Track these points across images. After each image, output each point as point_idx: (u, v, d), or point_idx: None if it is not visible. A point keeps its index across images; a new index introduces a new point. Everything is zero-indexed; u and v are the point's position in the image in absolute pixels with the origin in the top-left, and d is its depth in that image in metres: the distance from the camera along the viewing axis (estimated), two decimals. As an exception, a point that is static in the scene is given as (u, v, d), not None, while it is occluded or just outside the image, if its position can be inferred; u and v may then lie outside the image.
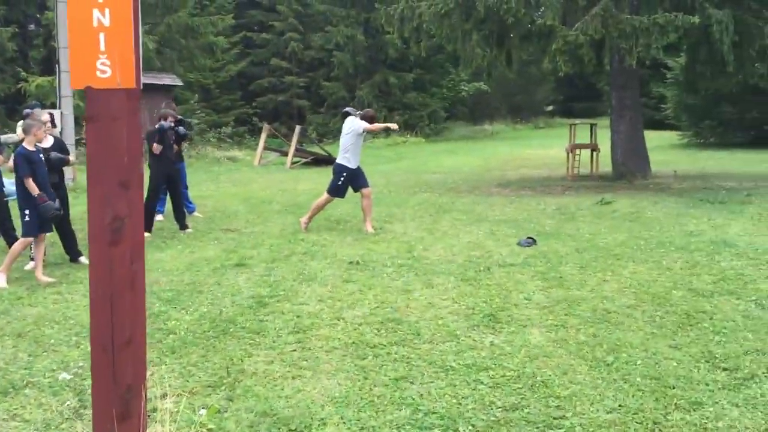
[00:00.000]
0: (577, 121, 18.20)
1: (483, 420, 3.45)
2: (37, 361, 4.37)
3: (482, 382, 3.90)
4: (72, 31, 2.59)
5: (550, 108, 47.99)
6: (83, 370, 4.17)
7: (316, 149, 22.52)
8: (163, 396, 3.69)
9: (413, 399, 3.69)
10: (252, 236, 8.78)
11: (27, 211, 6.39)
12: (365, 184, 9.02)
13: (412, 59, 30.35)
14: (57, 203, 6.62)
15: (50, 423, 3.50)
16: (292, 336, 4.77)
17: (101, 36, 2.57)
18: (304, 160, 20.93)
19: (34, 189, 6.28)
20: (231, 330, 4.91)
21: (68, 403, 3.72)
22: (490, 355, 4.33)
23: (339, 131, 29.20)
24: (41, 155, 6.58)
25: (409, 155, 24.72)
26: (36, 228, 6.40)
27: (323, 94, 32.14)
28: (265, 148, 21.44)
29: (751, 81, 13.94)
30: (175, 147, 9.75)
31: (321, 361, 4.28)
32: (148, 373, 3.82)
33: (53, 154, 7.05)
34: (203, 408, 3.50)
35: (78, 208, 8.28)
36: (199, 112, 28.51)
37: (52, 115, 10.19)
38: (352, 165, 8.94)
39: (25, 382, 4.02)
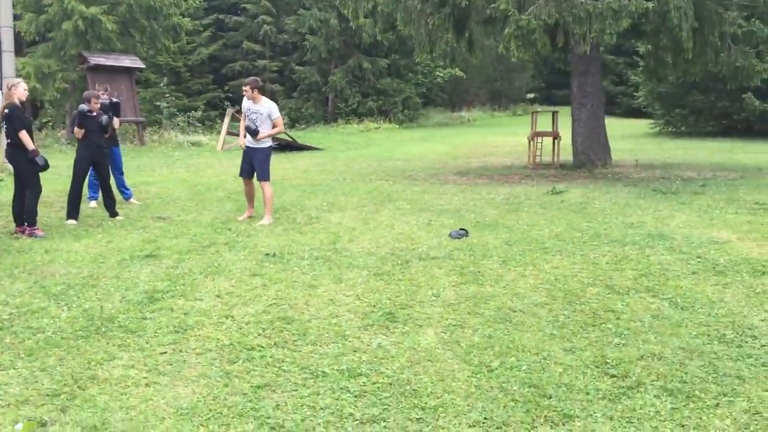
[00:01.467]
0: (539, 108, 17.92)
1: (332, 435, 3.13)
2: None
3: (349, 391, 3.59)
4: None
5: (532, 95, 47.61)
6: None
7: (281, 135, 22.03)
8: (-15, 407, 3.36)
9: (265, 411, 3.37)
10: (180, 225, 8.43)
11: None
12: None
13: (387, 45, 29.95)
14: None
15: None
16: (169, 336, 4.44)
17: None
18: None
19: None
20: (105, 329, 4.56)
21: None
22: (370, 359, 4.01)
23: (311, 116, 28.88)
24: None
25: (379, 142, 24.38)
26: None
27: (296, 78, 31.68)
28: (229, 133, 20.99)
29: (714, 69, 13.64)
30: (116, 123, 9.41)
31: (186, 366, 3.95)
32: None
33: None
34: (20, 422, 3.15)
35: None
36: (168, 95, 28.05)
37: None
38: None
39: None
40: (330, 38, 30.65)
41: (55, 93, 19.87)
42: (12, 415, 3.30)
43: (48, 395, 3.53)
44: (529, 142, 15.25)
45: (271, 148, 8.70)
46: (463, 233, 7.47)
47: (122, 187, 10.37)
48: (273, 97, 33.29)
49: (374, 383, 3.67)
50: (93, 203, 9.91)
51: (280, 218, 8.72)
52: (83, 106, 8.71)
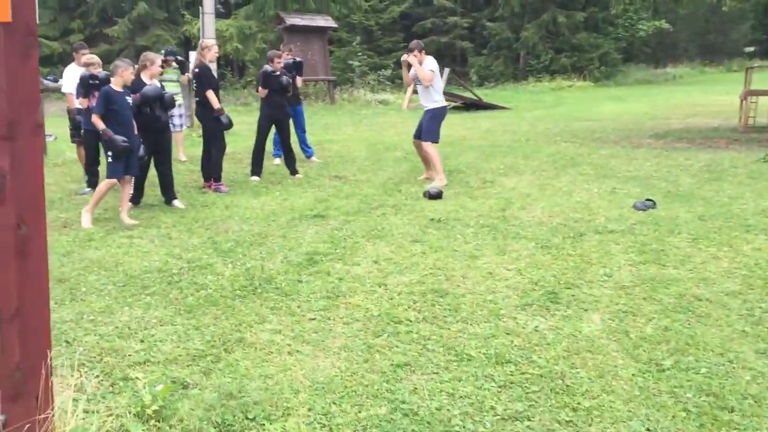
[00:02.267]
0: (758, 63, 15.93)
1: (468, 430, 2.85)
2: (65, 307, 4.29)
3: (494, 379, 3.27)
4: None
5: (751, 49, 42.70)
6: (93, 323, 4.04)
7: (467, 93, 21.64)
8: (133, 365, 3.45)
9: (401, 394, 3.15)
10: (354, 184, 8.45)
11: (110, 153, 6.42)
12: None
13: (584, -4, 28.26)
14: (139, 145, 6.64)
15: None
16: (321, 302, 4.36)
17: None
18: (453, 104, 20.21)
19: (98, 123, 6.29)
20: (261, 290, 4.59)
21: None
22: (522, 345, 3.65)
23: (501, 74, 28.14)
24: (128, 97, 6.56)
25: (570, 101, 23.19)
26: (119, 170, 6.43)
27: (486, 35, 30.89)
28: (414, 91, 20.89)
29: None
30: (299, 82, 9.63)
31: (331, 335, 3.84)
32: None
33: (167, 93, 7.09)
34: (160, 384, 3.18)
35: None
36: (360, 54, 28.57)
37: (177, 60, 10.37)
38: None
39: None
40: (524, -9, 29.48)
41: (255, 53, 20.88)
42: (158, 373, 3.35)
43: (195, 356, 3.56)
44: (741, 101, 13.64)
45: (442, 109, 8.41)
46: (649, 204, 6.76)
47: (304, 145, 10.61)
48: (463, 55, 32.83)
49: (523, 373, 3.32)
50: (277, 160, 10.22)
51: (453, 181, 8.44)
52: (267, 67, 8.93)
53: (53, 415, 2.51)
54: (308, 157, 10.59)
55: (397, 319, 4.05)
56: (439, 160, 8.32)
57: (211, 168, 8.20)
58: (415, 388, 3.21)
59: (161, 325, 4.00)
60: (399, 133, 14.46)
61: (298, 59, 10.47)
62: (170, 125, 10.26)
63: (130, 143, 6.37)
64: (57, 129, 12.80)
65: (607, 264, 4.98)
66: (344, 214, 6.76)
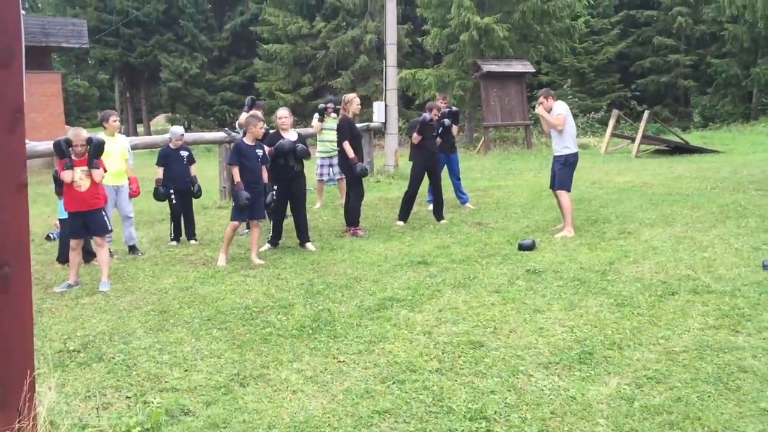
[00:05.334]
0: None
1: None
2: (149, 335, 4.97)
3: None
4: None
5: None
6: (159, 352, 4.65)
7: (672, 136, 20.39)
8: (160, 390, 3.96)
9: (357, 438, 3.30)
10: (488, 232, 8.52)
11: (232, 198, 7.22)
12: None
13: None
14: (270, 195, 7.37)
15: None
16: (359, 346, 4.61)
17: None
18: (655, 147, 19.18)
19: (235, 176, 7.08)
20: (316, 332, 4.93)
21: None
22: (514, 403, 3.60)
23: (728, 114, 26.19)
24: (258, 150, 7.33)
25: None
26: (236, 214, 7.19)
27: (711, 72, 28.79)
28: (614, 135, 20.19)
29: None
30: (439, 139, 9.90)
31: (341, 378, 4.07)
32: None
33: (300, 146, 7.79)
34: (149, 412, 3.64)
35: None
36: (570, 96, 28.14)
37: (336, 109, 11.10)
38: None
39: (105, 351, 4.64)
40: (755, 25, 27.10)
41: (452, 100, 21.49)
42: (172, 400, 3.82)
43: (212, 388, 4.00)
44: None
45: (574, 156, 8.22)
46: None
47: (459, 191, 10.84)
48: (686, 94, 30.90)
49: (488, 431, 3.30)
50: (431, 206, 10.55)
51: (590, 231, 8.19)
52: (425, 115, 9.37)
53: (31, 425, 3.04)
54: (463, 203, 10.78)
55: (414, 367, 4.17)
56: (570, 210, 8.12)
57: (349, 213, 8.75)
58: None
59: (209, 358, 4.50)
60: (576, 180, 14.06)
61: (454, 109, 10.78)
62: (317, 174, 11.15)
63: (256, 193, 7.11)
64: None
65: (673, 327, 4.64)
66: (450, 262, 6.90)
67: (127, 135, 31.72)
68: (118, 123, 7.94)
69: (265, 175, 7.39)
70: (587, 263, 6.54)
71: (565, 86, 28.77)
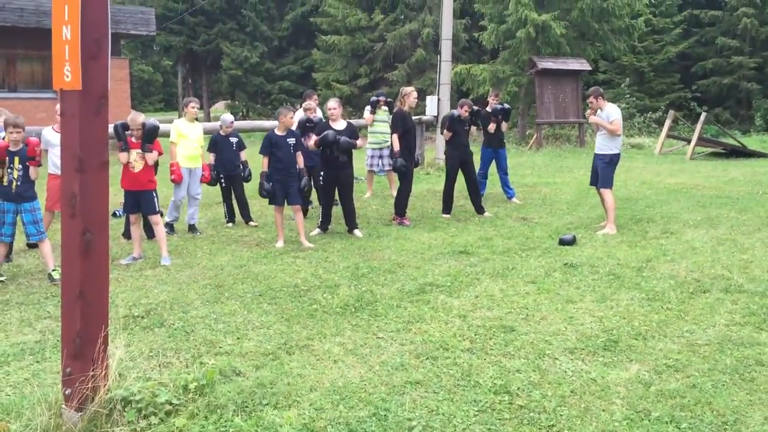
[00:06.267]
0: None
1: (417, 439, 3.27)
2: (206, 306, 5.38)
3: (477, 405, 3.60)
4: (53, 42, 3.28)
5: None
6: (215, 321, 5.06)
7: (729, 139, 20.08)
8: (216, 354, 4.36)
9: (391, 404, 3.64)
10: (532, 226, 8.73)
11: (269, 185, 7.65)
12: None
13: None
14: (304, 180, 7.75)
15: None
16: (398, 325, 4.93)
17: (66, 48, 3.24)
18: (711, 150, 18.95)
19: (263, 166, 7.51)
20: (359, 310, 5.28)
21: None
22: (536, 381, 3.88)
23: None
24: (289, 139, 7.69)
25: None
26: (277, 200, 7.60)
27: (777, 75, 28.10)
28: (670, 136, 20.01)
29: None
30: (473, 129, 10.07)
31: (379, 352, 4.41)
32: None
33: (343, 138, 8.15)
34: (206, 367, 4.03)
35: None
36: (628, 96, 27.86)
37: (387, 102, 11.38)
38: None
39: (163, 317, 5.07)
40: (823, 27, 26.39)
41: (506, 96, 21.60)
42: (226, 362, 4.21)
43: (261, 354, 4.39)
44: None
45: (617, 156, 8.36)
46: (820, 268, 6.17)
47: (506, 186, 11.06)
48: (749, 97, 30.22)
49: (510, 404, 3.60)
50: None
51: (633, 229, 8.35)
52: (454, 111, 9.62)
53: (103, 373, 3.46)
54: (509, 198, 10.99)
55: (447, 346, 4.48)
56: (613, 207, 8.28)
57: (397, 203, 9.07)
58: (408, 402, 3.66)
59: (259, 328, 4.89)
60: (629, 179, 14.11)
61: (505, 105, 10.98)
62: (368, 164, 11.48)
63: (289, 180, 7.54)
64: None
65: (699, 322, 4.84)
66: (491, 253, 7.17)
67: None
68: (196, 110, 8.45)
69: (300, 161, 7.77)
70: (624, 260, 6.73)
71: (623, 85, 28.43)
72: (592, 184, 8.69)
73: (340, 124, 8.31)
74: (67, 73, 3.25)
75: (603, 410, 3.51)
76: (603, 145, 8.37)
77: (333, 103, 8.48)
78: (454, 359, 4.26)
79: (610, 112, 8.27)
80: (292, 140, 7.68)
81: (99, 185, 3.40)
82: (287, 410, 3.59)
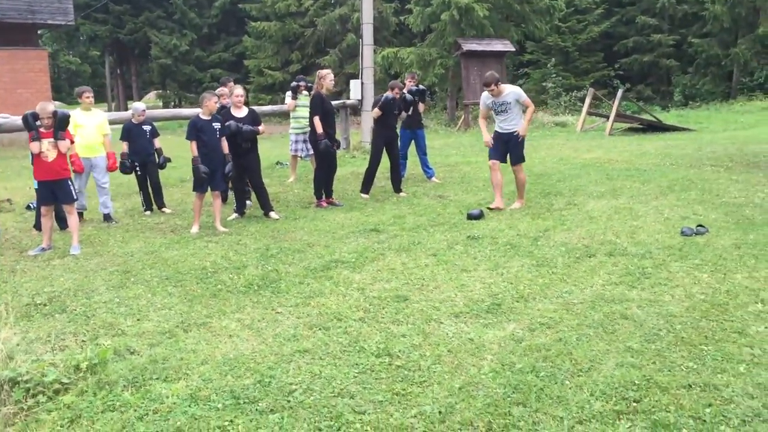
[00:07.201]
0: None
1: (297, 401, 3.46)
2: (110, 291, 5.46)
3: (358, 367, 3.82)
4: None
5: None
6: (117, 305, 5.15)
7: (646, 115, 20.85)
8: (114, 335, 4.47)
9: (276, 371, 3.83)
10: (445, 204, 8.98)
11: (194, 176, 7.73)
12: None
13: (805, 7, 25.70)
14: (229, 168, 7.82)
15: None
16: (298, 300, 5.12)
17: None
18: (629, 125, 19.65)
19: (192, 150, 7.57)
20: (262, 288, 5.45)
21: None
22: (417, 343, 4.13)
23: (708, 93, 26.42)
24: (215, 124, 7.76)
25: (771, 122, 21.27)
26: (196, 186, 7.68)
27: (692, 52, 29.18)
28: (590, 113, 20.65)
29: None
30: (404, 113, 10.33)
31: (274, 325, 4.59)
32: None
33: (245, 127, 8.23)
34: (98, 346, 4.15)
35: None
36: (554, 75, 28.53)
37: (308, 86, 11.50)
38: None
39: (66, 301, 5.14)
40: (736, 5, 27.45)
41: (434, 78, 21.95)
42: (122, 342, 4.33)
43: (158, 333, 4.51)
44: None
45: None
46: (701, 231, 6.61)
47: (425, 166, 11.32)
48: (668, 73, 31.30)
49: (389, 365, 3.83)
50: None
51: (542, 202, 8.70)
52: (388, 94, 9.82)
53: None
54: (429, 177, 11.27)
55: (341, 317, 4.69)
56: (525, 182, 8.60)
57: (315, 186, 9.23)
58: (293, 368, 3.86)
59: (161, 310, 5.01)
60: (548, 156, 14.56)
61: (422, 87, 11.23)
62: (292, 150, 11.61)
63: (213, 167, 7.58)
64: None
65: (579, 284, 5.18)
66: (400, 230, 7.41)
67: (118, 111, 32.06)
68: (91, 99, 8.40)
69: (224, 146, 7.86)
70: (524, 230, 7.06)
71: (549, 65, 29.12)
72: (502, 161, 8.82)
73: (242, 112, 8.42)
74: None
75: (473, 365, 3.78)
76: (517, 123, 8.53)
77: (240, 90, 8.58)
78: (345, 328, 4.47)
79: (518, 93, 8.50)
80: (216, 125, 7.75)
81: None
82: (176, 383, 3.74)
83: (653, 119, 19.84)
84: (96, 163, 8.33)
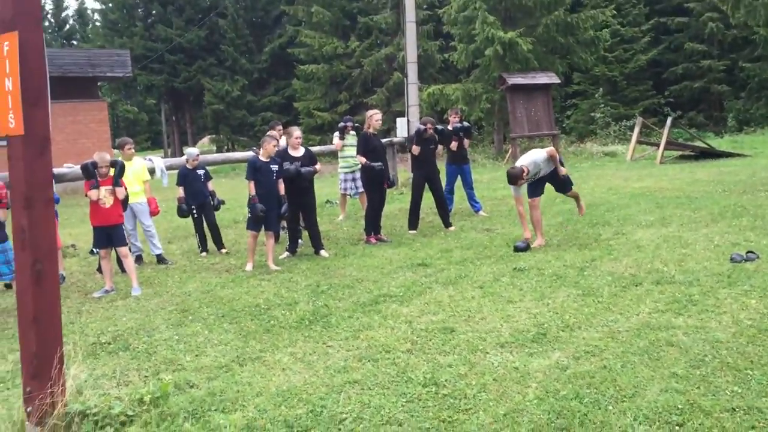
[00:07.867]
0: None
1: (347, 430, 3.61)
2: (170, 329, 5.72)
3: (406, 396, 3.95)
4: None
5: None
6: (177, 342, 5.40)
7: (698, 142, 20.59)
8: (174, 370, 4.70)
9: (328, 401, 3.98)
10: (492, 237, 9.08)
11: (248, 210, 8.02)
12: None
13: None
14: (284, 209, 8.10)
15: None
16: (348, 334, 5.28)
17: (9, 97, 3.62)
18: (680, 153, 19.44)
19: (251, 190, 7.88)
20: (313, 323, 5.63)
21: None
22: (463, 373, 4.24)
23: (763, 117, 26.08)
24: (273, 166, 8.08)
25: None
26: (251, 224, 7.97)
27: (744, 77, 28.76)
28: (640, 142, 20.50)
29: None
30: (440, 148, 10.51)
31: (325, 358, 4.76)
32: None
33: (305, 169, 8.52)
34: (160, 380, 4.38)
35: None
36: (602, 105, 28.44)
37: (355, 126, 11.79)
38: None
39: (129, 341, 5.40)
40: (786, 27, 27.07)
41: (480, 113, 22.17)
42: (182, 377, 4.55)
43: (216, 367, 4.73)
44: None
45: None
46: (751, 257, 6.57)
47: (472, 200, 11.46)
48: (720, 99, 30.82)
49: (436, 393, 3.95)
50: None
51: (589, 233, 8.72)
52: (420, 127, 10.04)
53: (61, 390, 3.80)
54: (476, 211, 11.38)
55: (389, 349, 4.84)
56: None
57: (366, 222, 9.45)
58: (343, 399, 4.01)
59: (218, 345, 5.24)
60: (597, 186, 14.52)
61: (466, 124, 11.42)
62: (341, 188, 11.86)
63: (269, 207, 7.87)
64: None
65: (625, 312, 5.21)
66: (447, 263, 7.54)
67: (174, 156, 33.14)
68: (132, 150, 8.86)
69: (281, 188, 8.15)
70: (571, 261, 7.11)
71: (596, 95, 29.08)
72: (558, 191, 8.93)
73: (299, 152, 8.71)
74: (11, 120, 3.63)
75: (518, 393, 3.87)
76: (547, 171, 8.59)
77: (298, 132, 8.89)
78: (393, 359, 4.61)
79: (536, 159, 8.41)
80: (274, 167, 8.07)
81: (45, 220, 3.76)
82: (233, 414, 3.93)
83: (705, 146, 19.57)
84: (138, 210, 8.71)
